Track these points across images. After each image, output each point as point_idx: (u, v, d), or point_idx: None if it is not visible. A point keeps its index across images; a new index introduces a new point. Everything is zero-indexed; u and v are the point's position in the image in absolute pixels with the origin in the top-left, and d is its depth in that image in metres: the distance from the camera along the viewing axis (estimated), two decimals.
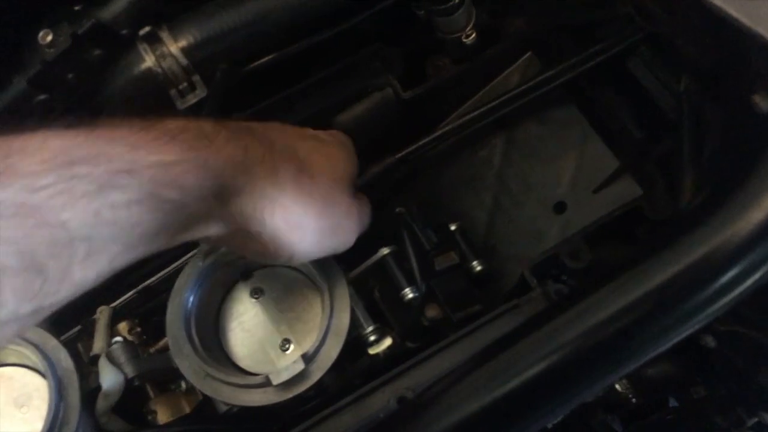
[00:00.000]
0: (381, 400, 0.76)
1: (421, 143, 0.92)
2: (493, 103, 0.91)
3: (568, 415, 0.98)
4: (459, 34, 0.86)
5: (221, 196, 0.58)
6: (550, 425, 0.94)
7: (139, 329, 0.86)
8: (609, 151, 0.91)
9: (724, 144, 0.80)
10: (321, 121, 0.91)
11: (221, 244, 0.64)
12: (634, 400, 1.03)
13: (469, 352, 0.76)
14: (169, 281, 0.85)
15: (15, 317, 0.46)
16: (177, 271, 0.85)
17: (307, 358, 0.75)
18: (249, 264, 0.84)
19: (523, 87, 0.90)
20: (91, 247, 0.48)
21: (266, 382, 0.75)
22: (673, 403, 1.15)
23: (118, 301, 0.88)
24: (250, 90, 0.84)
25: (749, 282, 0.54)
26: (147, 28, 0.65)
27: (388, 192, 1.00)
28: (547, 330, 0.60)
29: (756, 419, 0.95)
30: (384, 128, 0.95)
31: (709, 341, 0.86)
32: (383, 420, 0.70)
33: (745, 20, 0.58)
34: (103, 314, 0.85)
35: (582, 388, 0.59)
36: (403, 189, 1.01)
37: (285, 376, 0.74)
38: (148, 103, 0.68)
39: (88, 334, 0.86)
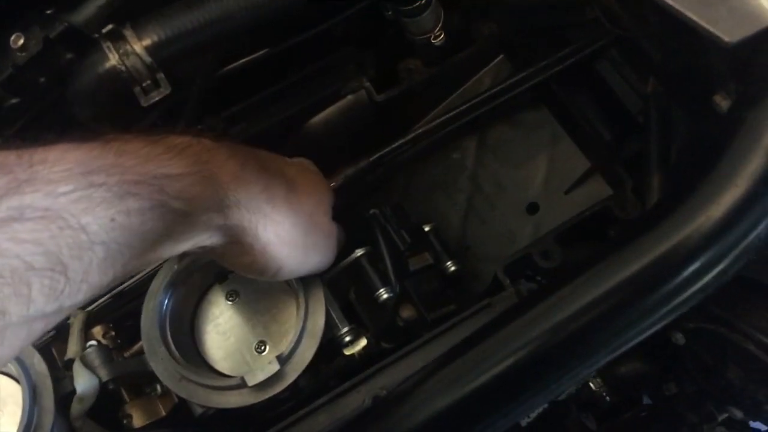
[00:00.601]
0: (356, 400, 0.76)
1: (394, 146, 0.93)
2: (466, 106, 0.92)
3: (543, 414, 0.99)
4: (427, 36, 0.87)
5: (221, 208, 0.61)
6: (524, 424, 0.95)
7: (113, 333, 0.86)
8: (579, 152, 0.93)
9: (689, 145, 0.82)
10: (295, 124, 0.92)
11: (214, 256, 0.67)
12: (608, 398, 1.05)
13: (443, 351, 0.77)
14: (143, 285, 0.85)
15: (42, 315, 0.49)
16: (151, 276, 0.86)
17: (282, 360, 0.75)
18: (224, 267, 0.85)
19: (494, 89, 0.92)
20: (107, 251, 0.51)
21: (241, 384, 0.75)
22: (647, 400, 1.17)
23: (92, 306, 0.88)
24: (226, 92, 0.85)
25: (709, 277, 0.55)
26: (110, 26, 0.65)
27: (361, 194, 1.00)
28: (514, 326, 0.61)
29: (726, 414, 0.96)
30: (357, 131, 0.96)
31: (679, 338, 0.88)
32: (356, 417, 0.70)
33: (702, 22, 0.60)
34: (77, 318, 0.84)
35: (550, 382, 0.60)
36: (377, 191, 1.02)
37: (260, 377, 0.74)
38: (113, 101, 0.68)
39: (62, 338, 0.85)
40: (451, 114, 0.93)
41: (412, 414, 0.60)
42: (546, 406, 0.96)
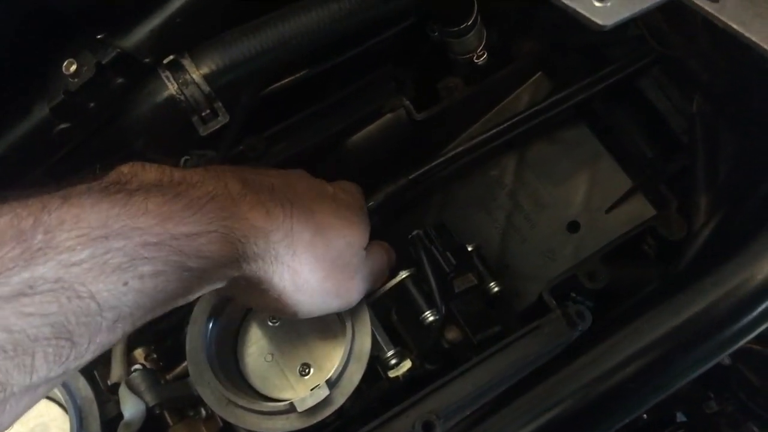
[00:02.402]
0: (405, 425, 0.75)
1: (433, 164, 0.92)
2: (507, 124, 0.92)
3: None
4: (471, 55, 0.87)
5: (239, 262, 0.61)
6: None
7: (155, 356, 0.85)
8: (621, 171, 0.92)
9: (737, 165, 0.81)
10: (335, 143, 0.92)
11: (227, 294, 0.66)
12: (645, 416, 1.04)
13: (492, 375, 0.77)
14: None
15: (46, 380, 0.49)
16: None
17: (331, 384, 0.75)
18: None
19: (536, 108, 0.91)
20: (117, 314, 0.51)
21: (290, 409, 0.75)
22: (680, 417, 1.16)
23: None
24: (267, 113, 0.84)
25: None
26: (170, 57, 0.65)
27: (399, 212, 1.00)
28: (581, 362, 0.60)
29: None
30: (396, 149, 0.95)
31: (725, 359, 0.87)
32: None
33: (764, 44, 0.59)
34: (118, 341, 0.84)
35: (615, 421, 0.59)
36: (414, 209, 1.01)
37: (310, 403, 0.74)
38: (171, 131, 0.68)
39: (103, 360, 0.85)
40: (490, 132, 0.92)
41: None
42: None
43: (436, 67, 0.95)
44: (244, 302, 0.74)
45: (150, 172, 0.57)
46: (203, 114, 0.66)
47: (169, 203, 0.54)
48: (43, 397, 0.53)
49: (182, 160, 0.82)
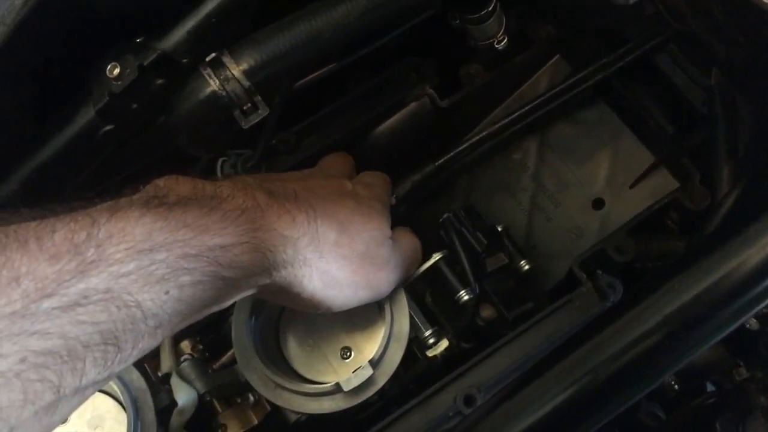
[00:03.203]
0: (447, 400, 0.78)
1: (457, 150, 0.95)
2: (528, 107, 0.94)
3: None
4: (491, 41, 0.89)
5: (269, 270, 0.64)
6: None
7: (201, 347, 0.88)
8: (642, 147, 0.94)
9: (757, 136, 0.83)
10: (362, 134, 0.95)
11: (258, 296, 0.70)
12: (676, 386, 1.06)
13: (528, 349, 0.79)
14: None
15: (94, 383, 0.53)
16: None
17: (374, 364, 0.78)
18: None
19: (555, 90, 0.93)
20: (158, 321, 0.55)
21: (336, 390, 0.78)
22: (710, 388, 1.18)
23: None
24: (294, 108, 0.87)
25: None
26: (212, 55, 0.68)
27: (426, 198, 1.03)
28: (613, 329, 0.63)
29: None
30: (421, 137, 0.98)
31: (753, 323, 0.89)
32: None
33: None
34: (156, 345, 0.87)
35: (653, 380, 0.62)
36: (440, 195, 1.04)
37: (355, 383, 0.76)
38: (213, 126, 0.71)
39: (151, 354, 0.88)
40: (512, 116, 0.95)
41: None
42: None
43: (456, 55, 0.97)
44: (275, 301, 0.78)
45: (184, 186, 0.60)
46: (244, 108, 0.69)
47: (205, 217, 0.58)
48: (88, 399, 0.55)
49: (219, 161, 0.85)
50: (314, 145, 0.91)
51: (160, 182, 0.60)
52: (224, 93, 0.67)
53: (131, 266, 0.52)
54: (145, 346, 0.55)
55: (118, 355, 0.53)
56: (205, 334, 0.93)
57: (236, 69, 0.67)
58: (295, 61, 0.70)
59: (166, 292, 0.54)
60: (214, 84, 0.67)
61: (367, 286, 0.76)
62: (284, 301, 0.72)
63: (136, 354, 0.55)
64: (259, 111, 0.69)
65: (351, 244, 0.72)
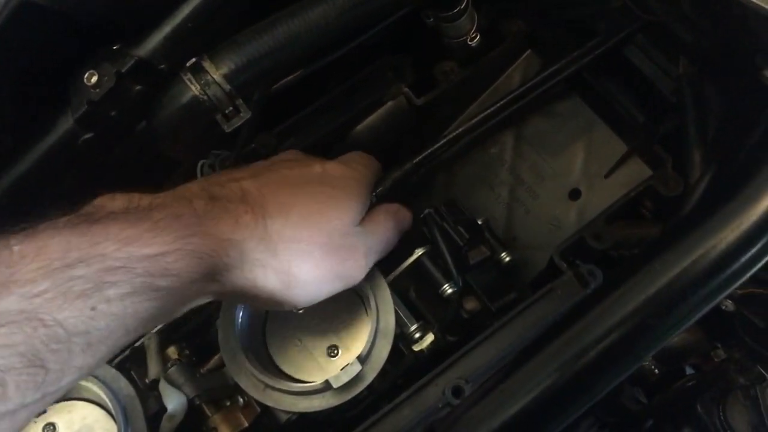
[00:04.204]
0: (435, 393, 0.79)
1: (435, 146, 0.96)
2: (502, 102, 0.95)
3: None
4: (464, 38, 0.91)
5: (213, 275, 0.62)
6: None
7: (187, 352, 0.88)
8: (615, 137, 0.97)
9: (725, 120, 0.86)
10: (342, 135, 0.96)
11: (221, 300, 0.68)
12: (656, 371, 1.08)
13: (513, 338, 0.80)
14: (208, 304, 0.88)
15: (22, 406, 0.51)
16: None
17: (362, 360, 0.78)
18: None
19: (529, 84, 0.95)
20: (89, 339, 0.53)
21: (325, 387, 0.78)
22: (689, 371, 1.20)
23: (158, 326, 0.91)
24: (272, 110, 0.88)
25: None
26: (192, 60, 0.68)
27: (406, 196, 1.04)
28: (598, 312, 0.65)
29: None
30: (400, 134, 0.99)
31: (729, 305, 0.91)
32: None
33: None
34: (151, 341, 0.87)
35: (636, 360, 0.64)
36: (420, 193, 1.05)
37: (344, 379, 0.77)
38: (195, 131, 0.71)
39: (138, 361, 0.88)
40: (488, 111, 0.96)
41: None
42: None
43: (430, 53, 0.99)
44: (241, 303, 0.76)
45: (118, 201, 0.59)
46: (226, 111, 0.69)
47: (131, 228, 0.56)
48: (29, 420, 0.54)
49: (200, 163, 0.85)
50: (294, 146, 0.91)
51: (96, 201, 0.59)
52: (205, 97, 0.68)
53: (45, 285, 0.51)
54: (82, 364, 0.54)
55: (48, 376, 0.51)
56: (192, 339, 0.93)
57: (216, 73, 0.67)
58: (275, 63, 0.70)
59: (92, 308, 0.53)
60: (195, 89, 0.68)
61: (335, 277, 0.73)
62: (248, 303, 0.70)
63: (73, 372, 0.53)
64: (241, 114, 0.69)
65: (310, 237, 0.70)
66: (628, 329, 0.64)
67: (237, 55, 0.68)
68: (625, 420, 1.07)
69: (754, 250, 0.61)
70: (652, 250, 0.69)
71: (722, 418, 0.99)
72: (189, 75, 0.68)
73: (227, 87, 0.68)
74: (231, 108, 0.69)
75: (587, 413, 0.97)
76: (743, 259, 0.61)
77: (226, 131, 0.70)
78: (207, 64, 0.68)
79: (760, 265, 0.60)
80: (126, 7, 0.68)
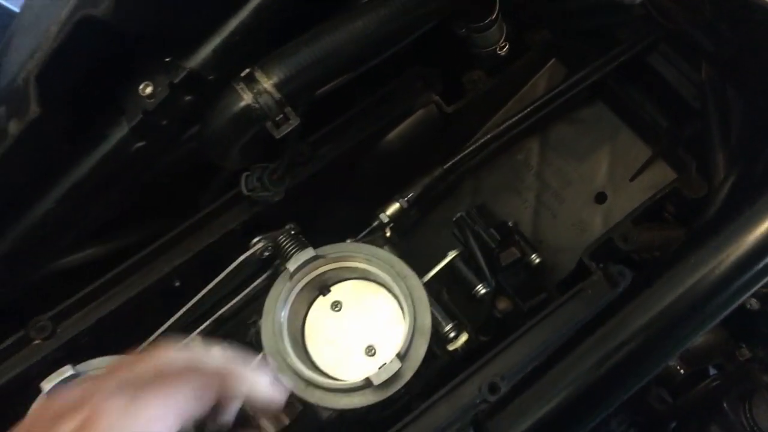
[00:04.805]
0: (471, 390, 0.82)
1: (464, 153, 1.00)
2: (529, 109, 0.99)
3: None
4: (494, 48, 0.94)
5: None
6: None
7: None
8: (640, 141, 1.00)
9: (747, 123, 0.89)
10: (374, 142, 0.99)
11: None
12: (682, 371, 1.11)
13: (546, 337, 0.83)
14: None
15: None
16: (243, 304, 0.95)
17: (401, 357, 0.81)
18: (326, 280, 0.91)
19: (554, 92, 0.98)
20: None
21: (365, 385, 0.81)
22: (711, 371, 1.22)
23: (200, 328, 0.94)
24: (307, 119, 0.91)
25: None
26: (246, 70, 0.72)
27: (435, 201, 1.07)
28: (631, 308, 0.68)
29: None
30: (429, 141, 1.02)
31: (753, 303, 0.94)
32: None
33: None
34: (196, 342, 0.90)
35: (664, 357, 0.66)
36: (448, 199, 1.08)
37: (384, 376, 0.80)
38: (245, 137, 0.74)
39: None
40: (514, 118, 0.99)
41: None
42: None
43: (457, 63, 1.02)
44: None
45: None
46: (276, 119, 0.73)
47: None
48: None
49: (243, 176, 0.88)
50: (328, 154, 0.95)
51: None
52: (257, 106, 0.71)
53: None
54: None
55: None
56: (231, 341, 0.96)
57: (268, 82, 0.71)
58: (320, 72, 0.74)
59: None
60: (247, 98, 0.71)
61: None
62: None
63: None
64: (290, 121, 0.73)
65: None
66: (657, 328, 0.67)
67: (286, 65, 0.72)
68: (652, 419, 1.10)
69: None
70: (680, 251, 0.72)
71: (749, 416, 1.01)
72: (242, 84, 0.71)
73: (278, 95, 0.71)
74: (281, 115, 0.72)
75: (616, 411, 0.99)
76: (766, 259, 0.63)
77: (276, 138, 0.73)
78: (258, 74, 0.71)
79: None
80: (176, 22, 0.72)
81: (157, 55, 0.73)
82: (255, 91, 0.71)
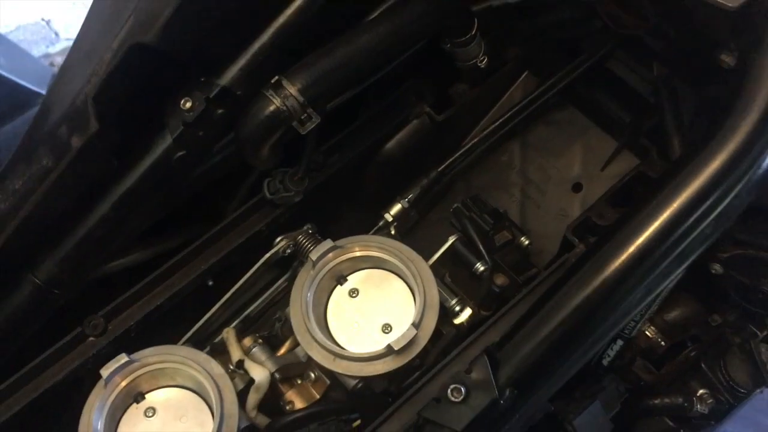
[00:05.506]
0: (471, 356, 0.93)
1: (456, 155, 1.13)
2: (508, 115, 1.13)
3: (614, 360, 1.17)
4: (474, 61, 1.08)
5: None
6: (605, 363, 1.13)
7: (260, 341, 1.02)
8: (607, 136, 1.15)
9: (697, 110, 1.04)
10: (376, 150, 1.13)
11: None
12: (663, 343, 1.23)
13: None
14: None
15: None
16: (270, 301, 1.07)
17: (416, 325, 0.93)
18: (342, 270, 1.02)
19: (529, 98, 1.13)
20: None
21: (387, 352, 0.92)
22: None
23: (234, 323, 1.05)
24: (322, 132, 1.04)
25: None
26: (275, 78, 0.85)
27: (431, 202, 1.20)
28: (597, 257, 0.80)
29: (766, 332, 1.15)
30: (423, 148, 1.16)
31: (717, 268, 1.07)
32: None
33: None
34: (230, 334, 1.01)
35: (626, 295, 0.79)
36: (442, 201, 1.22)
37: (403, 342, 0.91)
38: (274, 136, 0.87)
39: (215, 355, 1.01)
40: (497, 124, 1.14)
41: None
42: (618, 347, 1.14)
43: (445, 77, 1.17)
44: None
45: None
46: (301, 118, 0.86)
47: None
48: None
49: (266, 181, 1.01)
50: (337, 162, 1.08)
51: None
52: (285, 108, 0.84)
53: None
54: None
55: None
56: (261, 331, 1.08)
57: (293, 88, 0.84)
58: (335, 80, 0.87)
59: None
60: (276, 102, 0.84)
61: None
62: None
63: None
64: (313, 119, 0.86)
65: None
66: (616, 271, 0.78)
67: (307, 74, 0.85)
68: (641, 387, 1.21)
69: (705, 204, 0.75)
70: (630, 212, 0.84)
71: (724, 371, 1.13)
72: (270, 91, 0.85)
73: (301, 98, 0.85)
74: (305, 115, 0.86)
75: (606, 371, 1.11)
76: (698, 212, 0.75)
77: (302, 134, 0.87)
78: (285, 82, 0.85)
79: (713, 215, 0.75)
80: (210, 46, 0.85)
81: (194, 75, 0.87)
82: (282, 96, 0.84)
